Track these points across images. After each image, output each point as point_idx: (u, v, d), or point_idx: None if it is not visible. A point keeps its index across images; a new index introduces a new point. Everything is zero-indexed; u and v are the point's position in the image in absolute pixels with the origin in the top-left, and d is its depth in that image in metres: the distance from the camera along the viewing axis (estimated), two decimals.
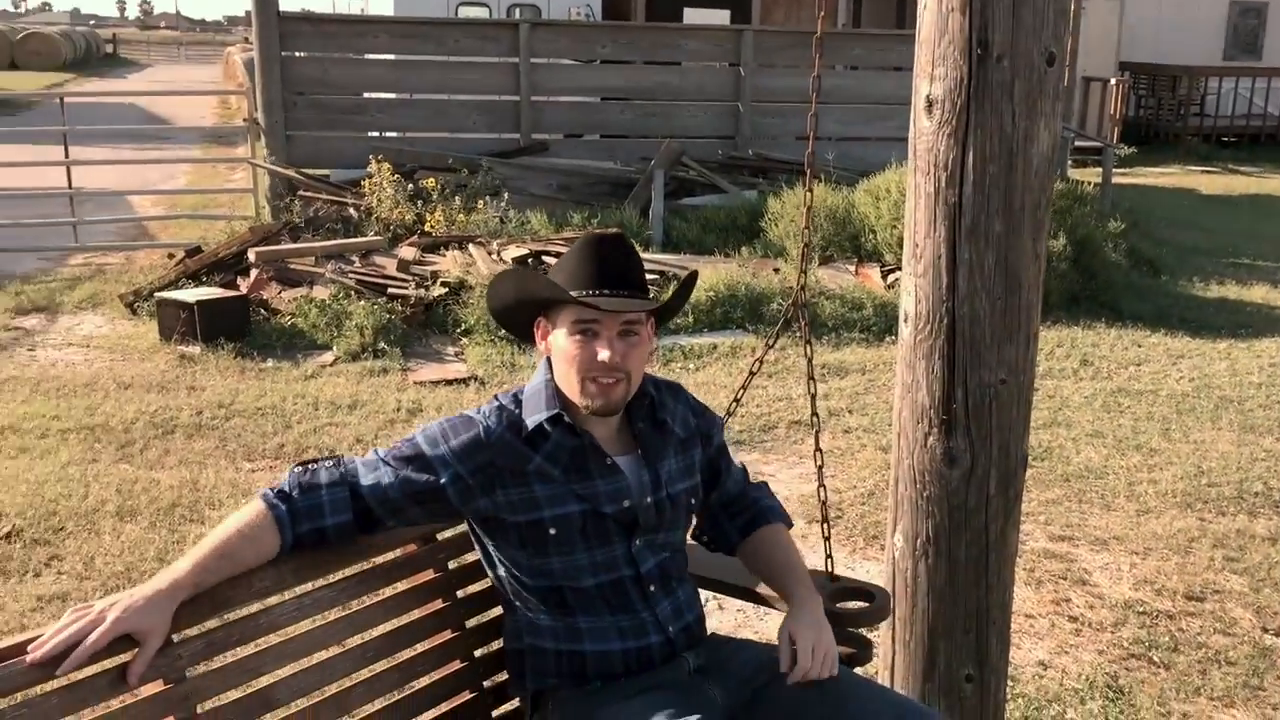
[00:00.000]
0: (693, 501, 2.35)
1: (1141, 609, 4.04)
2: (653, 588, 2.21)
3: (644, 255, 8.61)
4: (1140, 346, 7.55)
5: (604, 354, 2.10)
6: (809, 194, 2.98)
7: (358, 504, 2.09)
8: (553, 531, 2.12)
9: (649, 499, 2.20)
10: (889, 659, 3.02)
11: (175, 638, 1.92)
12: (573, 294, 2.10)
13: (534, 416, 2.16)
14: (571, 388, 2.15)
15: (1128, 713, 3.39)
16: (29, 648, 1.79)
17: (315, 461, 2.15)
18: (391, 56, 11.65)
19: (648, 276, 2.33)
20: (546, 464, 2.13)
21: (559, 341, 2.16)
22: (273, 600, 2.09)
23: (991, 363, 2.65)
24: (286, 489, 2.08)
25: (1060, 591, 4.17)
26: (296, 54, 11.15)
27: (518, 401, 2.20)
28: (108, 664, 1.87)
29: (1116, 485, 5.17)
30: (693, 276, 2.44)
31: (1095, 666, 3.65)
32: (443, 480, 2.10)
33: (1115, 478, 5.26)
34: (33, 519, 4.57)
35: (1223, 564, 4.38)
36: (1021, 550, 4.27)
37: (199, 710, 1.92)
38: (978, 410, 2.69)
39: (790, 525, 2.57)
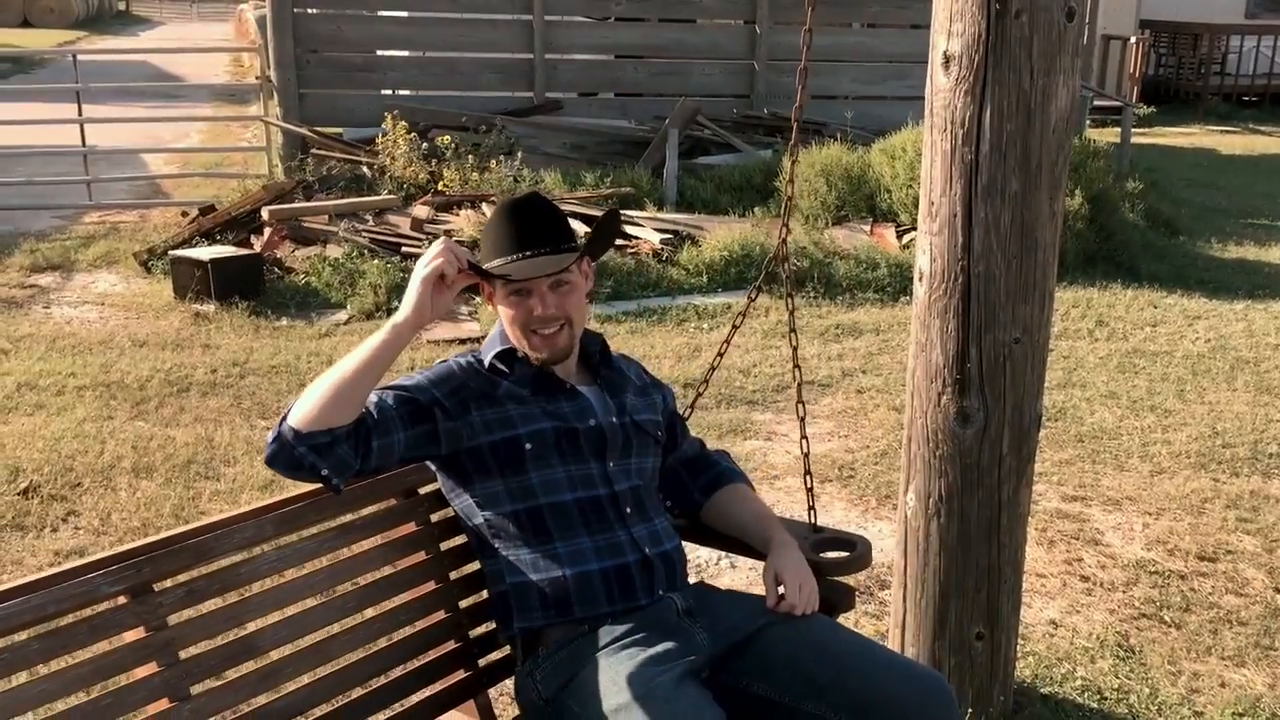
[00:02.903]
0: (660, 435, 2.44)
1: (1153, 569, 4.04)
2: (629, 509, 2.28)
3: (658, 215, 8.64)
4: (1156, 307, 7.51)
5: (538, 309, 2.26)
6: (794, 148, 2.96)
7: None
8: (529, 446, 2.22)
9: (614, 419, 2.32)
10: (900, 617, 3.04)
11: (156, 587, 1.96)
12: (495, 263, 2.24)
13: (489, 354, 2.34)
14: (520, 343, 2.32)
15: (1138, 671, 3.40)
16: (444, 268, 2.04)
17: None
18: (405, 13, 11.55)
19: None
20: (515, 387, 2.29)
21: (500, 305, 2.32)
22: (253, 551, 2.12)
23: (1006, 322, 2.64)
24: None
25: (1072, 551, 4.18)
26: (309, 11, 11.06)
27: (476, 353, 2.39)
28: (87, 612, 1.89)
29: (1130, 446, 5.16)
30: (610, 215, 2.50)
31: (1106, 626, 3.66)
32: (424, 400, 2.20)
33: (1129, 438, 5.25)
34: (50, 475, 4.61)
35: (1236, 525, 4.38)
36: (1034, 510, 4.27)
37: (181, 656, 1.95)
38: (992, 369, 2.68)
39: (753, 488, 2.59)
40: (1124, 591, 3.89)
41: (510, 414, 2.25)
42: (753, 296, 2.98)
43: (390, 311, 7.02)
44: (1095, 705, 3.24)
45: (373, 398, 2.13)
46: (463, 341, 6.56)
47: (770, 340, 6.60)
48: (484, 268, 2.22)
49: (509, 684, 2.41)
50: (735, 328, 2.97)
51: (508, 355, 2.32)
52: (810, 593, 2.28)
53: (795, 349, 2.85)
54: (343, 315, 7.05)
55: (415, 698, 2.27)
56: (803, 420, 2.83)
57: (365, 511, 2.31)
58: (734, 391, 5.73)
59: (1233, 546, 4.21)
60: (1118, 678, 3.37)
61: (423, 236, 8.10)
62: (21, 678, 1.83)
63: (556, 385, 2.32)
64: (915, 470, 2.88)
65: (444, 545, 2.39)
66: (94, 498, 4.44)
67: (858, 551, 2.54)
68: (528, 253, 2.23)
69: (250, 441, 5.02)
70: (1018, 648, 3.19)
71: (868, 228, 8.87)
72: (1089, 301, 7.58)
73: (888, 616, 3.32)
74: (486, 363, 2.32)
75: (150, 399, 5.55)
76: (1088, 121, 13.20)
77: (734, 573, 3.90)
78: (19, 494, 4.44)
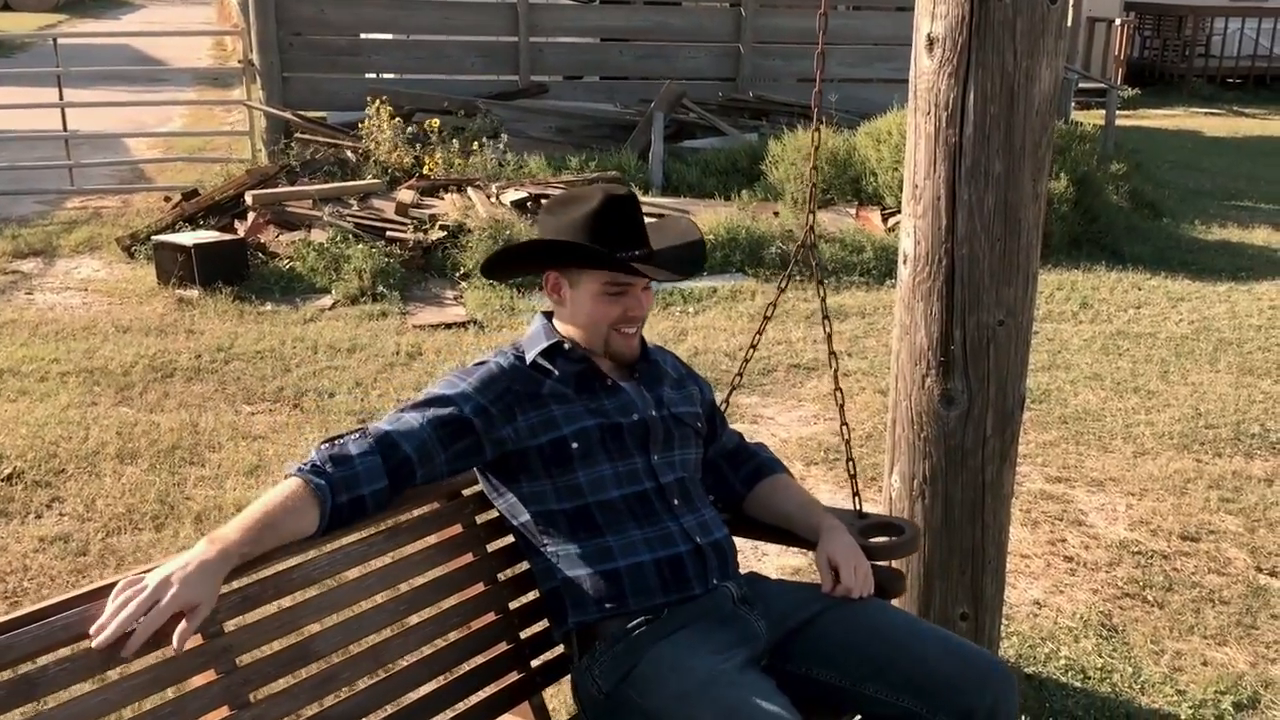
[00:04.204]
0: (700, 426, 2.43)
1: (1136, 549, 4.07)
2: (676, 500, 2.27)
3: (643, 199, 8.61)
4: (1140, 289, 7.54)
5: (634, 309, 2.28)
6: (816, 134, 2.95)
7: (389, 463, 2.09)
8: (575, 445, 2.21)
9: (654, 413, 2.31)
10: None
11: None
12: (618, 257, 2.22)
13: (533, 350, 2.30)
14: (596, 339, 2.30)
15: (1121, 650, 3.43)
16: (91, 630, 1.76)
17: (341, 436, 2.13)
18: None
19: (645, 218, 2.39)
20: (558, 385, 2.26)
21: (584, 300, 2.29)
22: (304, 556, 2.09)
23: (990, 304, 2.65)
24: (318, 463, 2.06)
25: (1056, 532, 4.20)
26: None
27: (517, 347, 2.34)
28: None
29: (1114, 427, 5.19)
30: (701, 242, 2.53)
31: (1089, 605, 3.69)
32: (467, 411, 2.17)
33: (1113, 420, 5.27)
34: (33, 461, 4.59)
35: (1218, 505, 4.41)
36: (1018, 491, 4.29)
37: (238, 663, 1.92)
38: (975, 351, 2.69)
39: (793, 478, 2.59)
40: (1107, 571, 3.92)
41: (554, 414, 2.22)
42: (782, 287, 3.00)
43: (376, 296, 7.01)
44: (1079, 684, 3.26)
45: (413, 421, 2.13)
46: (449, 326, 6.55)
47: (757, 324, 6.60)
48: (626, 261, 2.21)
49: (559, 686, 2.40)
50: (768, 318, 2.99)
51: (551, 352, 2.29)
52: (865, 576, 2.29)
53: (830, 335, 2.84)
54: (327, 300, 7.03)
55: (470, 700, 2.24)
56: (841, 407, 2.81)
57: (410, 515, 2.29)
58: (720, 375, 5.73)
59: (1215, 526, 4.24)
60: (1101, 657, 3.40)
61: (407, 221, 8.08)
62: (84, 687, 1.80)
63: (599, 382, 2.30)
64: (900, 452, 2.89)
65: (491, 546, 2.36)
66: (78, 484, 4.42)
67: (907, 535, 2.55)
68: (637, 252, 2.25)
69: (235, 427, 5.00)
70: (1002, 628, 3.21)
71: (854, 211, 8.88)
72: (1073, 284, 7.61)
73: None
74: (529, 360, 2.28)
75: (134, 385, 5.53)
76: (1073, 104, 13.22)
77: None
78: (2, 480, 4.42)
